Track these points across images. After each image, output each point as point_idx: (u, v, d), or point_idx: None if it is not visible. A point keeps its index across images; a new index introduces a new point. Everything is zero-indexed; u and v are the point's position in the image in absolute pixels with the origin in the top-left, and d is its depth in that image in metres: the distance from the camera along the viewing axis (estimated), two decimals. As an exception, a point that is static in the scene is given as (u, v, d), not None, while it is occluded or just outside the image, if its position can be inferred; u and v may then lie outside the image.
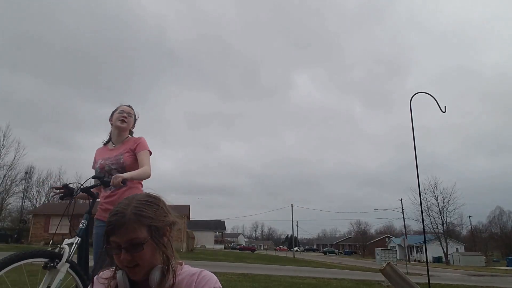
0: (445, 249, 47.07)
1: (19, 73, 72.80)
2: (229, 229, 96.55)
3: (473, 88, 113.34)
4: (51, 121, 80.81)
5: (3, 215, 42.65)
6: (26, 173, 44.12)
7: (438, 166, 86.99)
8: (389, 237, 70.97)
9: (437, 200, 48.30)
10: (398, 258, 27.05)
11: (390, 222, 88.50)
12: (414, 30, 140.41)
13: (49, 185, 50.79)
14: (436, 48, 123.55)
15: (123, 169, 2.78)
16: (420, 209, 43.75)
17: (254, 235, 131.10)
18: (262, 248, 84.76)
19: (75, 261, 2.35)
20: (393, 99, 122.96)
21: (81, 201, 2.79)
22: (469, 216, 62.34)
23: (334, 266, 27.23)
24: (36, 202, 47.83)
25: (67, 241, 2.31)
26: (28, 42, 79.83)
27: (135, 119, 3.12)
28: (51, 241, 2.66)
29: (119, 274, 1.16)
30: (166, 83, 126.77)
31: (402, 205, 52.94)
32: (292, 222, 51.40)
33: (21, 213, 43.40)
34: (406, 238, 28.04)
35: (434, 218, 48.44)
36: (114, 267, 1.20)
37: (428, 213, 47.64)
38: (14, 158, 39.35)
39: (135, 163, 2.83)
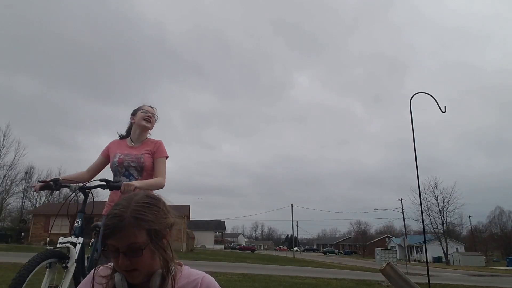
0: (445, 249, 47.06)
1: (19, 73, 72.87)
2: (229, 229, 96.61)
3: (474, 87, 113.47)
4: (51, 121, 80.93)
5: (3, 215, 42.62)
6: (26, 173, 44.12)
7: (438, 166, 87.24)
8: (389, 237, 70.94)
9: (437, 200, 48.37)
10: (398, 258, 27.02)
11: (390, 222, 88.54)
12: (415, 29, 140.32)
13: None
14: (436, 47, 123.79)
15: (142, 169, 2.79)
16: (420, 209, 43.75)
17: (254, 235, 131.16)
18: (262, 248, 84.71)
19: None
20: (394, 98, 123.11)
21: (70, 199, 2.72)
22: (469, 216, 62.43)
23: (334, 266, 27.23)
24: (36, 202, 47.82)
25: (62, 239, 2.28)
26: (27, 41, 79.89)
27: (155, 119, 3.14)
28: (47, 240, 2.64)
29: (117, 276, 1.12)
30: (166, 82, 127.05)
31: (402, 205, 53.01)
32: (292, 222, 51.45)
33: (21, 213, 43.40)
34: (406, 238, 28.04)
35: (434, 218, 48.52)
36: (112, 265, 1.17)
37: (428, 213, 47.68)
38: (14, 158, 39.37)
39: (152, 165, 2.85)
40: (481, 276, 23.55)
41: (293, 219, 51.54)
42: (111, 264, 1.19)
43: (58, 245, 2.22)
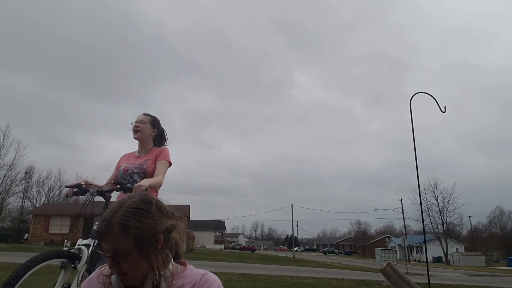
0: (445, 249, 47.06)
1: (19, 73, 72.88)
2: (229, 229, 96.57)
3: (475, 87, 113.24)
4: (51, 121, 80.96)
5: (3, 215, 42.65)
6: (26, 173, 44.16)
7: (438, 166, 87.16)
8: (389, 237, 71.00)
9: (437, 200, 48.36)
10: (398, 258, 27.03)
11: (390, 222, 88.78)
12: (416, 28, 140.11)
13: (49, 185, 50.85)
14: (438, 46, 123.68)
15: (145, 175, 2.91)
16: (420, 209, 43.76)
17: (254, 235, 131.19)
18: (262, 248, 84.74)
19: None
20: (394, 98, 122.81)
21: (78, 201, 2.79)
22: (469, 216, 62.49)
23: (334, 266, 27.25)
24: (36, 202, 47.87)
25: (80, 241, 2.35)
26: (27, 41, 79.89)
27: (155, 124, 3.14)
28: (65, 241, 2.66)
29: (114, 277, 1.14)
30: (166, 82, 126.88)
31: (402, 205, 53.03)
32: (292, 222, 51.47)
33: (21, 213, 43.42)
34: (406, 238, 28.03)
35: (434, 218, 48.51)
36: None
37: (428, 213, 47.68)
38: (14, 158, 39.40)
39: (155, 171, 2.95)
40: (481, 276, 23.56)
41: (293, 219, 51.63)
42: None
43: (76, 247, 2.31)
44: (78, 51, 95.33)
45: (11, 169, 39.36)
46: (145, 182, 2.54)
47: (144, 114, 3.13)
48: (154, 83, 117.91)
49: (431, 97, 7.48)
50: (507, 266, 42.59)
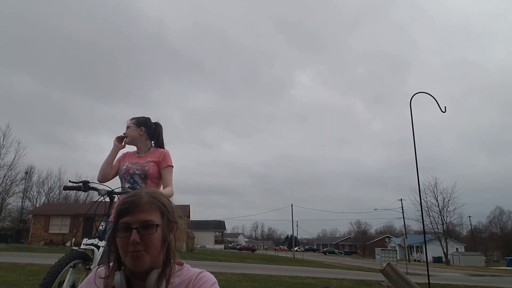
0: (445, 249, 47.07)
1: (19, 73, 72.90)
2: (229, 229, 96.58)
3: (476, 86, 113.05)
4: (51, 121, 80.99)
5: (3, 215, 42.65)
6: (26, 173, 44.17)
7: (439, 166, 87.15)
8: (389, 237, 70.98)
9: (437, 200, 48.39)
10: (398, 258, 26.98)
11: (390, 222, 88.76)
12: (418, 27, 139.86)
13: (49, 185, 50.87)
14: (439, 44, 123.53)
15: (146, 177, 2.92)
16: (420, 209, 43.76)
17: (254, 235, 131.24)
18: (262, 248, 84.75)
19: None
20: (395, 97, 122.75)
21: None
22: (469, 216, 62.46)
23: (334, 266, 27.24)
24: (36, 202, 47.87)
25: (86, 241, 2.36)
26: (27, 41, 79.91)
27: (139, 123, 3.13)
28: (73, 240, 2.66)
29: (117, 275, 1.13)
30: (166, 81, 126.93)
31: (402, 205, 53.00)
32: (292, 222, 51.51)
33: (21, 213, 43.43)
34: (406, 238, 28.05)
35: (434, 218, 48.53)
36: (111, 266, 1.17)
37: (428, 213, 47.68)
38: (14, 158, 39.41)
39: (156, 173, 2.96)
40: (481, 276, 23.56)
41: (293, 219, 51.67)
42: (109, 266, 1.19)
43: (82, 246, 2.32)
44: (78, 51, 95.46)
45: (11, 169, 39.41)
46: None
47: (130, 119, 3.15)
48: (154, 82, 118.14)
49: (431, 97, 7.48)
50: (507, 266, 42.59)
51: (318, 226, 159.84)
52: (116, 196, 2.61)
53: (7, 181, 39.53)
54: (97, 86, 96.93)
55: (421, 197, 13.76)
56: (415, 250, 61.04)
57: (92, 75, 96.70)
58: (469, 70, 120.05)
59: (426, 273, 7.57)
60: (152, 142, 3.18)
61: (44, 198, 49.54)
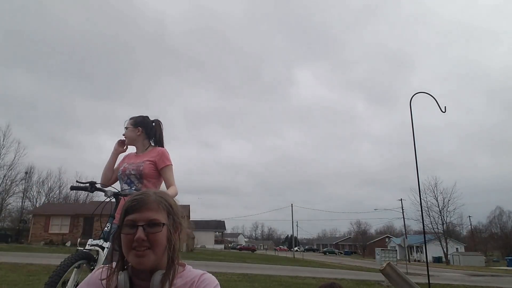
0: (445, 249, 47.11)
1: (19, 73, 72.93)
2: (229, 229, 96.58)
3: (477, 86, 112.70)
4: (51, 120, 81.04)
5: (3, 215, 42.70)
6: (26, 173, 44.20)
7: (440, 166, 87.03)
8: (389, 237, 71.00)
9: (437, 200, 48.45)
10: (398, 258, 27.03)
11: (390, 222, 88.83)
12: (421, 26, 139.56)
13: (49, 185, 50.89)
14: (441, 43, 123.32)
15: (141, 177, 2.88)
16: (420, 209, 43.75)
17: (254, 235, 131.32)
18: (262, 248, 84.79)
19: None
20: (396, 97, 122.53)
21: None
22: (469, 216, 62.45)
23: (334, 266, 27.25)
24: (36, 202, 47.91)
25: (91, 241, 2.38)
26: (26, 40, 79.94)
27: (137, 123, 3.09)
28: (78, 241, 2.67)
29: (121, 276, 1.13)
30: (166, 80, 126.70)
31: (402, 205, 53.00)
32: (292, 222, 51.51)
33: (21, 213, 43.44)
34: (406, 238, 28.06)
35: (434, 218, 48.60)
36: (114, 266, 1.17)
37: (428, 213, 47.73)
38: (14, 158, 39.51)
39: (153, 173, 2.91)
40: (481, 276, 23.56)
41: (293, 219, 51.67)
42: (110, 267, 1.19)
43: (87, 247, 2.33)
44: (78, 50, 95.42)
45: (11, 169, 39.50)
46: None
47: (128, 119, 3.12)
48: (154, 81, 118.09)
49: (431, 97, 7.49)
50: (507, 266, 42.59)
51: (318, 226, 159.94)
52: (122, 198, 2.61)
53: (7, 181, 39.66)
54: (97, 85, 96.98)
55: (421, 197, 13.76)
56: (415, 250, 61.06)
57: (92, 74, 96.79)
58: (471, 69, 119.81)
59: (426, 273, 7.57)
60: (151, 140, 3.13)
61: (44, 198, 49.62)
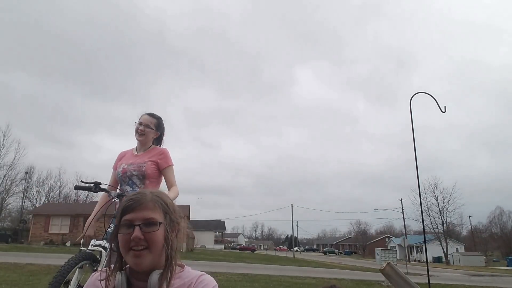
0: (445, 249, 47.11)
1: (19, 73, 72.94)
2: (229, 229, 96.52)
3: (477, 86, 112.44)
4: (51, 120, 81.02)
5: (3, 215, 42.73)
6: (26, 173, 44.20)
7: (440, 165, 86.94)
8: (389, 237, 71.01)
9: (437, 200, 48.45)
10: (398, 258, 27.02)
11: (390, 222, 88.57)
12: (422, 25, 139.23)
13: (49, 185, 50.89)
14: (442, 42, 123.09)
15: (144, 177, 2.85)
16: (420, 209, 43.76)
17: (254, 235, 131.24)
18: (262, 248, 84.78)
19: None
20: (396, 96, 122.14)
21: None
22: (469, 216, 62.43)
23: (334, 266, 27.26)
24: (36, 202, 47.91)
25: (94, 242, 2.40)
26: (26, 40, 79.93)
27: (159, 128, 3.06)
28: (81, 241, 2.68)
29: (118, 276, 1.13)
30: (166, 80, 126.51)
31: (402, 205, 52.99)
32: (292, 222, 51.52)
33: (21, 213, 43.44)
34: (406, 238, 28.04)
35: (434, 218, 48.60)
36: (112, 268, 1.17)
37: (428, 213, 47.73)
38: (14, 158, 39.51)
39: (155, 173, 2.89)
40: (481, 276, 23.57)
41: (293, 219, 51.69)
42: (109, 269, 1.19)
43: (90, 248, 2.35)
44: (78, 50, 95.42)
45: (11, 169, 39.49)
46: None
47: (149, 116, 3.03)
48: (154, 81, 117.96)
49: (431, 97, 7.49)
50: (507, 266, 42.61)
51: (318, 226, 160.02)
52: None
53: (7, 181, 39.66)
54: (97, 85, 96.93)
55: (421, 197, 13.76)
56: (415, 250, 61.07)
57: (92, 74, 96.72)
58: (472, 67, 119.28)
59: (426, 273, 7.57)
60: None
61: (44, 198, 49.63)
